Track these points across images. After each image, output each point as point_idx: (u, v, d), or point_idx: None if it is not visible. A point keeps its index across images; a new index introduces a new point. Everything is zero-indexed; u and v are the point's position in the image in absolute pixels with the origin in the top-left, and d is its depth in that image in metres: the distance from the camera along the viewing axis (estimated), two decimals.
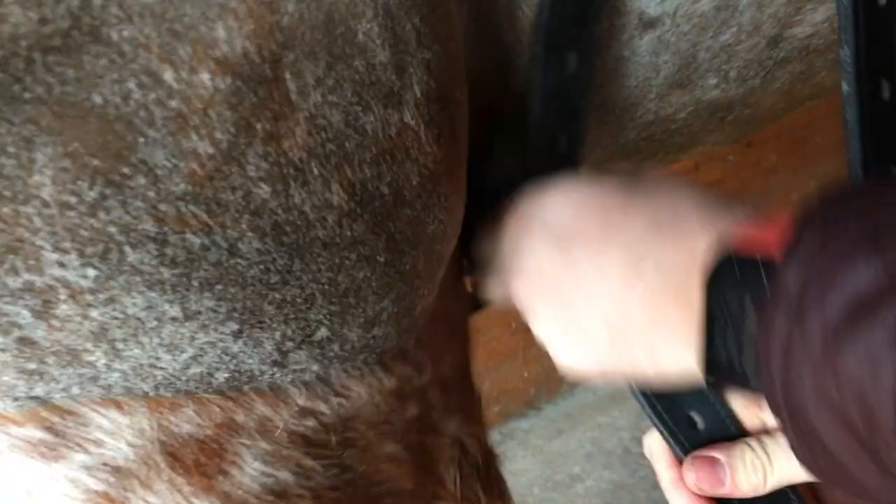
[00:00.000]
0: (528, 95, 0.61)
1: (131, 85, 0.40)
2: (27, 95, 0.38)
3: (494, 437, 1.99)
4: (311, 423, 0.53)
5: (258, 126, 0.43)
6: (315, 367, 0.50)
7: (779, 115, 0.82)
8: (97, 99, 0.39)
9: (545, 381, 2.08)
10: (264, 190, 0.44)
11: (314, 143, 0.45)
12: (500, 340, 1.96)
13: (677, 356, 0.48)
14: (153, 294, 0.44)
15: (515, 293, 0.55)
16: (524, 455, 2.02)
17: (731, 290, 0.45)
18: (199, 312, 0.45)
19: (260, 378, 0.49)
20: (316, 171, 0.46)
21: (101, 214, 0.41)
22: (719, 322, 0.45)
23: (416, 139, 0.49)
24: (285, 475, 0.53)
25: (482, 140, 0.63)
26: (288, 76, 0.44)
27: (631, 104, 0.71)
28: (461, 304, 0.62)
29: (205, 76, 0.41)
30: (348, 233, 0.48)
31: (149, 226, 0.42)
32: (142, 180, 0.41)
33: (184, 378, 0.48)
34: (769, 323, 0.41)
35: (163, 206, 0.42)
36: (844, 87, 0.59)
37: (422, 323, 0.55)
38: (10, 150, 0.38)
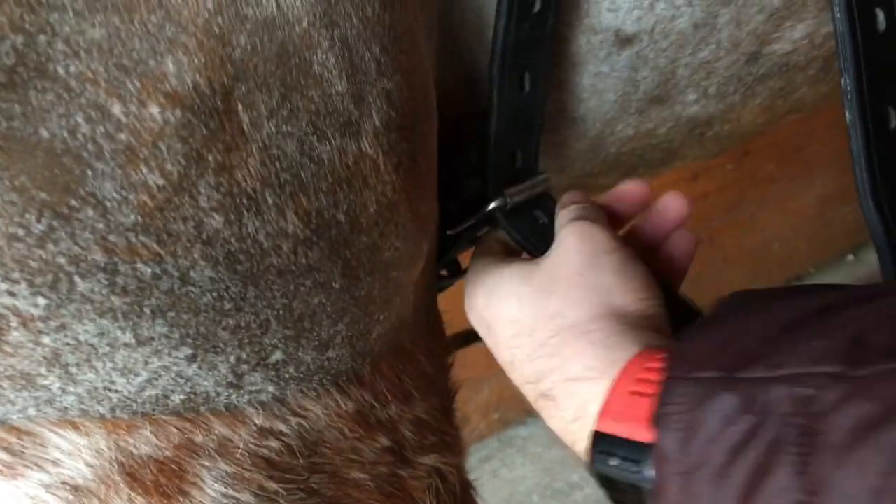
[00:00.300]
0: (488, 113, 0.62)
1: (79, 119, 0.40)
2: None
3: (493, 444, 2.02)
4: (273, 444, 0.53)
5: (210, 157, 0.44)
6: (271, 388, 0.51)
7: (759, 130, 0.82)
8: (44, 133, 0.40)
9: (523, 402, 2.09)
10: (217, 220, 0.45)
11: (268, 173, 0.46)
12: None
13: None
14: (104, 321, 0.44)
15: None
16: (523, 462, 2.03)
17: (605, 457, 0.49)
18: (152, 338, 0.46)
19: (216, 399, 0.50)
20: (270, 201, 0.46)
21: (50, 246, 0.42)
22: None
23: (374, 168, 0.50)
24: (247, 497, 0.53)
25: (451, 156, 0.63)
26: (240, 107, 0.44)
27: (611, 118, 0.71)
28: (434, 345, 0.63)
29: (154, 109, 0.42)
30: (303, 260, 0.48)
31: (98, 256, 0.43)
32: (90, 212, 0.42)
33: (139, 400, 0.48)
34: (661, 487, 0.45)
35: (112, 237, 0.43)
36: (847, 116, 0.59)
37: (378, 349, 0.55)
38: None
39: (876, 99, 0.59)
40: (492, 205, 0.63)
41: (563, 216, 0.60)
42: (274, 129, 0.45)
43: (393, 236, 0.52)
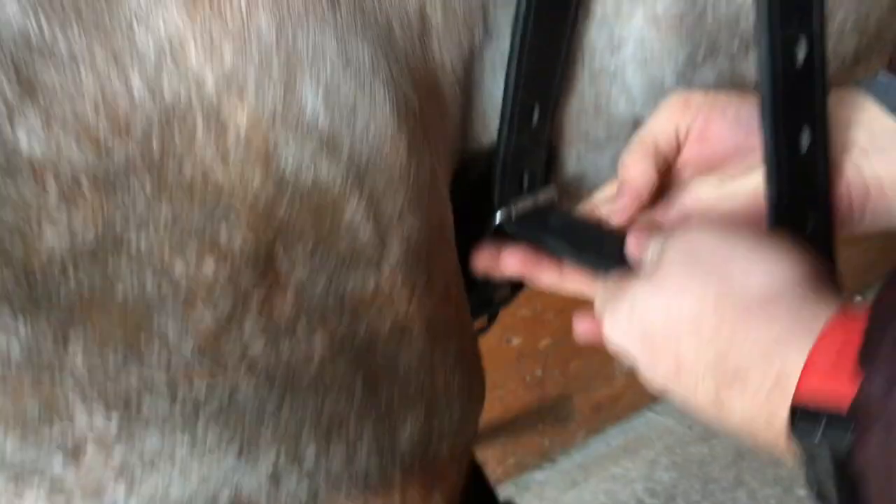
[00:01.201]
0: (497, 146, 0.67)
1: (147, 276, 0.50)
2: (63, 295, 0.48)
3: (510, 488, 2.05)
4: None
5: (253, 297, 0.53)
6: (304, 488, 0.60)
7: None
8: (119, 288, 0.49)
9: (559, 433, 2.15)
10: (258, 345, 0.54)
11: (300, 307, 0.55)
12: (515, 394, 2.02)
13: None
14: (166, 430, 0.54)
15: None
16: None
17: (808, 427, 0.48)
18: (205, 441, 0.55)
19: (258, 497, 0.59)
20: (301, 328, 0.55)
21: (123, 374, 0.51)
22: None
23: (391, 294, 0.59)
24: None
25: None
26: (279, 256, 0.53)
27: None
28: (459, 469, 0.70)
29: (209, 265, 0.51)
30: (329, 374, 0.58)
31: (162, 378, 0.52)
32: (156, 345, 0.51)
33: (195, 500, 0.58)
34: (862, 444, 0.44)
35: (174, 363, 0.52)
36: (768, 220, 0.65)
37: (409, 452, 0.63)
38: (49, 336, 0.49)
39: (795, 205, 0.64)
40: (497, 216, 0.68)
41: (654, 245, 0.60)
42: (307, 272, 0.54)
43: (407, 347, 0.61)
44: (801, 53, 0.61)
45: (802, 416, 0.48)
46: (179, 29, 0.47)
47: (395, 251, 0.58)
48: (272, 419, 0.57)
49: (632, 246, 0.62)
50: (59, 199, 0.46)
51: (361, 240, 0.56)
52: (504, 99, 0.64)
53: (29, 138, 0.45)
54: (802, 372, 0.48)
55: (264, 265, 0.53)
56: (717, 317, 0.53)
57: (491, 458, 2.02)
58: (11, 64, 0.44)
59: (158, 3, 0.46)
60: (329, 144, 0.53)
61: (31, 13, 0.44)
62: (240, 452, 0.57)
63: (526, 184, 0.68)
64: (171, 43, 0.47)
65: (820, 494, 0.48)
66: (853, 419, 0.44)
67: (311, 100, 0.52)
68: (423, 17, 0.58)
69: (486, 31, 0.62)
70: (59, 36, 0.44)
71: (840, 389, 0.46)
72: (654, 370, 0.57)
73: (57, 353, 0.49)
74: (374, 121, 0.55)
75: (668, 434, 2.26)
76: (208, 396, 0.54)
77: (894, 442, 0.41)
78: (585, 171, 0.73)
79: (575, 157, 0.72)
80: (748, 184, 0.66)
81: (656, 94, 0.68)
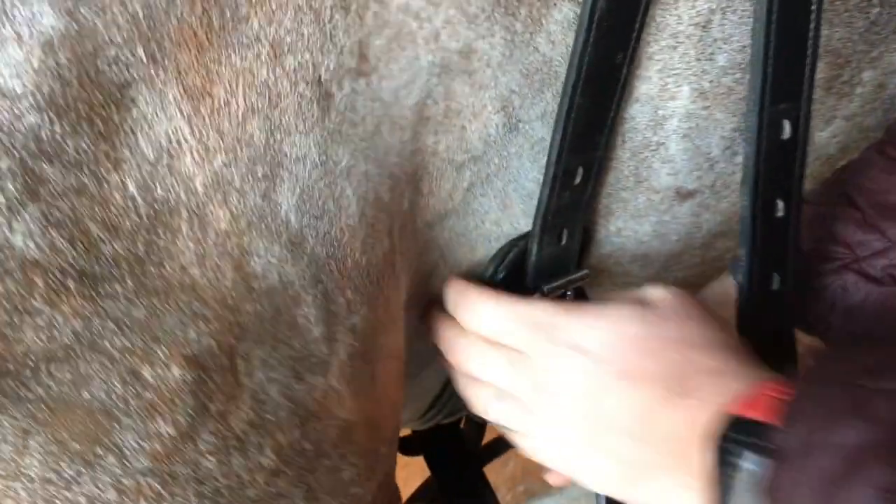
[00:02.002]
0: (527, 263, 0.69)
1: (115, 382, 0.47)
2: (30, 396, 0.44)
3: None
4: None
5: (212, 407, 0.51)
6: None
7: None
8: (86, 395, 0.46)
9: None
10: (210, 461, 0.52)
11: (255, 416, 0.53)
12: None
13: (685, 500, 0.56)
14: None
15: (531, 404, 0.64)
16: None
17: (733, 445, 0.52)
18: None
19: None
20: (254, 440, 0.54)
21: (74, 487, 0.47)
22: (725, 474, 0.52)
23: (338, 399, 0.58)
24: None
25: None
26: (239, 361, 0.52)
27: (675, 254, 0.78)
28: None
29: (176, 371, 0.49)
30: (273, 489, 0.56)
31: (111, 496, 0.49)
32: (111, 459, 0.48)
33: None
34: (776, 475, 0.48)
35: (125, 480, 0.49)
36: (737, 279, 0.70)
37: None
38: (10, 438, 0.45)
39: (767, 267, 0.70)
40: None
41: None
42: (263, 377, 0.53)
43: (350, 455, 0.60)
44: (787, 128, 0.66)
45: (733, 425, 0.52)
46: (179, 136, 0.46)
47: (341, 350, 0.58)
48: None
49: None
50: (45, 297, 0.43)
51: (313, 338, 0.55)
52: (548, 163, 0.64)
53: (24, 236, 0.42)
54: (738, 399, 0.53)
55: (226, 372, 0.51)
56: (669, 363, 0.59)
57: (501, 486, 1.97)
58: (19, 160, 0.42)
59: (163, 112, 0.45)
60: (294, 245, 0.53)
61: (45, 113, 0.42)
62: None
63: (564, 240, 0.68)
64: (169, 149, 0.46)
65: None
66: (774, 449, 0.49)
67: (286, 204, 0.52)
68: (420, 113, 0.58)
69: (508, 124, 0.62)
70: (69, 139, 0.43)
71: (766, 420, 0.51)
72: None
73: (15, 457, 0.45)
74: (338, 222, 0.55)
75: None
76: None
77: (804, 476, 0.46)
78: (625, 243, 0.74)
79: (614, 230, 0.72)
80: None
81: (701, 163, 0.69)
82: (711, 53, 0.63)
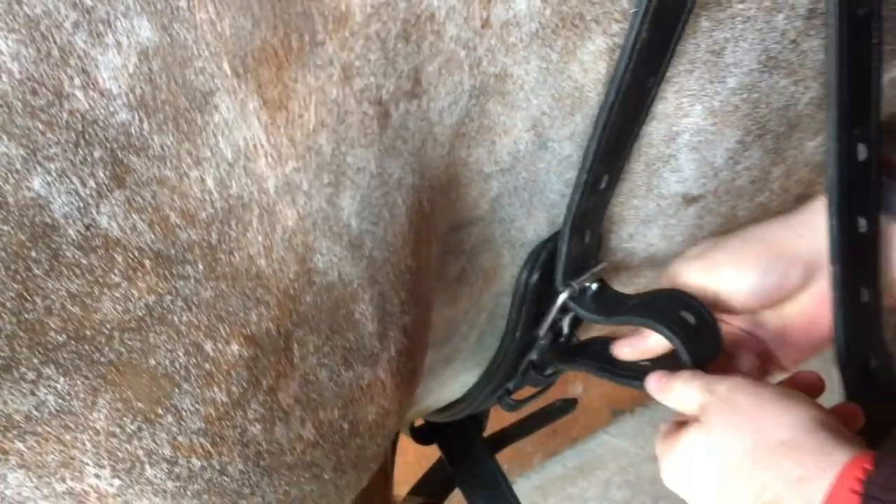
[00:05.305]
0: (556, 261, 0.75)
1: (180, 353, 0.52)
2: (102, 359, 0.50)
3: None
4: None
5: (264, 381, 0.56)
6: None
7: None
8: (152, 361, 0.52)
9: (516, 457, 2.23)
10: (256, 428, 0.57)
11: (301, 394, 0.59)
12: None
13: None
14: (157, 499, 0.56)
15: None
16: None
17: None
18: None
19: None
20: (297, 414, 0.59)
21: (135, 441, 0.53)
22: None
23: (382, 388, 0.63)
24: None
25: None
26: (295, 346, 0.57)
27: (680, 252, 0.82)
28: None
29: (234, 347, 0.54)
30: (308, 458, 0.61)
31: (167, 451, 0.55)
32: (170, 419, 0.54)
33: None
34: None
35: (180, 438, 0.55)
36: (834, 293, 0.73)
37: None
38: (81, 395, 0.51)
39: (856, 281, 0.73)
40: (563, 295, 0.76)
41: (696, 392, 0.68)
42: (315, 362, 0.58)
43: (379, 437, 0.65)
44: (862, 152, 0.70)
45: None
46: (256, 142, 0.51)
47: (392, 347, 0.63)
48: (247, 496, 0.60)
49: (651, 384, 0.71)
50: (123, 273, 0.49)
51: (367, 332, 0.60)
52: (580, 170, 0.70)
53: (109, 217, 0.48)
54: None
55: (281, 353, 0.56)
56: (751, 461, 0.62)
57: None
58: (110, 151, 0.47)
59: (243, 119, 0.51)
60: (354, 247, 0.58)
61: (136, 112, 0.47)
62: None
63: (587, 239, 0.75)
64: (246, 152, 0.51)
65: None
66: None
67: (348, 208, 0.57)
68: (458, 130, 0.63)
69: (538, 142, 0.68)
70: (155, 136, 0.48)
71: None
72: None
73: (84, 412, 0.51)
74: (392, 228, 0.60)
75: (621, 455, 2.39)
76: (199, 474, 0.57)
77: None
78: (635, 247, 0.80)
79: (626, 236, 0.79)
80: (795, 306, 0.74)
81: (706, 172, 0.75)
82: (724, 77, 0.70)
